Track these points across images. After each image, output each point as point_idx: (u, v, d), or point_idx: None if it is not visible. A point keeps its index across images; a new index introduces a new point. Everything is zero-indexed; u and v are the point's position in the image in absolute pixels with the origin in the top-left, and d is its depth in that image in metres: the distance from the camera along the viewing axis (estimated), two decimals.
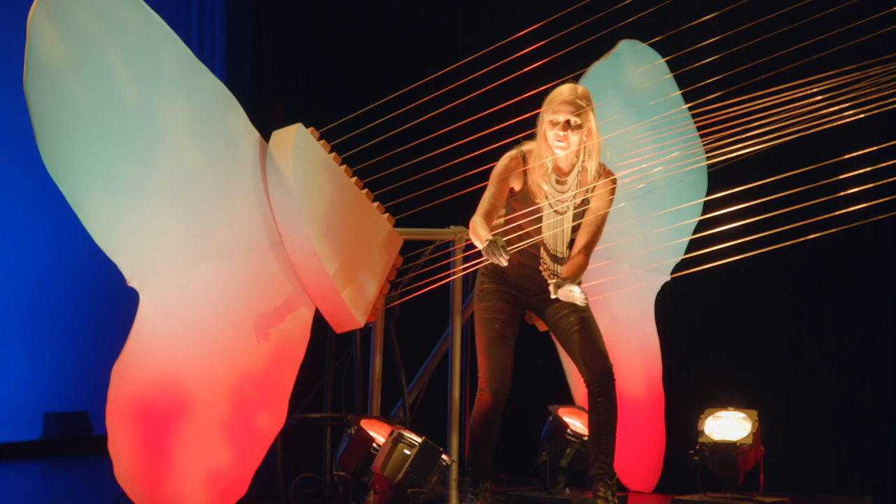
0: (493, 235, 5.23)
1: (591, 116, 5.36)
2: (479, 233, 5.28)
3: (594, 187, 5.42)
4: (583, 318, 5.43)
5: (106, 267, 5.16)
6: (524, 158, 5.41)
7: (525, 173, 5.40)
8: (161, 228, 5.20)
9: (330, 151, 5.58)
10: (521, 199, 5.43)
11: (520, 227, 5.41)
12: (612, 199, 5.44)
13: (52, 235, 9.34)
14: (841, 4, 5.04)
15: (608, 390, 5.42)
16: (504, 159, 5.42)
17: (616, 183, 5.45)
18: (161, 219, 5.19)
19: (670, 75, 6.35)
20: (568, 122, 5.31)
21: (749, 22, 5.25)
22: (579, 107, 5.31)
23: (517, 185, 5.42)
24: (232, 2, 10.02)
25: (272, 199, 5.45)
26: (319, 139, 5.55)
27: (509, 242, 5.35)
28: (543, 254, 5.44)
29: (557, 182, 5.41)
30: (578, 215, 5.43)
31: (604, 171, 5.45)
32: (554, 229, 5.42)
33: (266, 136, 5.51)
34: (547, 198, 5.41)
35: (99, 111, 5.05)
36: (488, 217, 5.36)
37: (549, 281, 5.34)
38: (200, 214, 5.29)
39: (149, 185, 5.17)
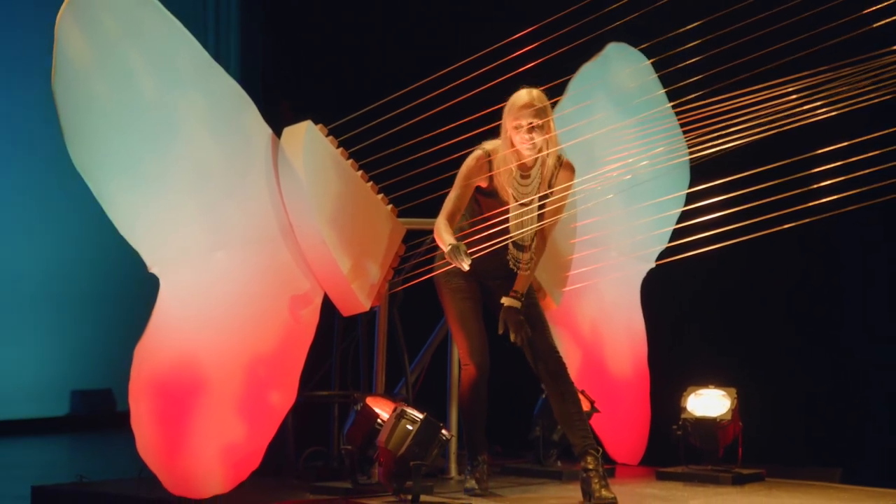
0: (457, 239, 5.32)
1: (550, 115, 5.41)
2: (443, 236, 5.36)
3: (555, 178, 5.46)
4: (532, 314, 5.47)
5: (128, 255, 5.16)
6: (489, 158, 5.46)
7: (491, 175, 5.44)
8: (180, 219, 5.20)
9: (337, 147, 5.58)
10: (489, 196, 5.47)
11: (485, 221, 5.43)
12: (571, 186, 5.49)
13: (79, 226, 9.36)
14: (814, 10, 5.04)
15: (565, 379, 5.46)
16: (470, 160, 5.47)
17: (574, 172, 5.50)
18: (180, 210, 5.19)
19: (655, 76, 6.35)
20: (531, 125, 5.36)
21: (728, 26, 5.24)
22: (539, 109, 5.37)
23: (484, 183, 5.47)
24: (246, 7, 10.02)
25: (283, 191, 5.45)
26: (328, 135, 5.55)
27: (478, 241, 5.40)
28: (510, 244, 5.46)
29: (522, 177, 5.44)
30: (543, 205, 5.46)
31: (564, 163, 5.50)
32: (519, 220, 5.45)
33: (277, 132, 5.50)
34: (513, 194, 5.45)
35: (121, 109, 5.05)
36: (452, 219, 5.43)
37: (503, 300, 5.42)
38: (216, 206, 5.28)
39: (168, 179, 5.16)
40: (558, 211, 5.49)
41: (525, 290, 5.45)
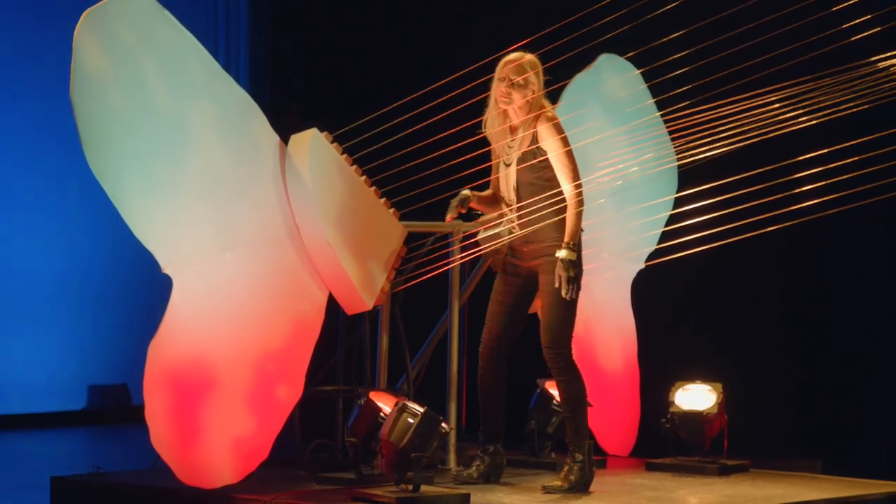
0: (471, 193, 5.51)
1: (535, 80, 5.44)
2: None
3: (535, 135, 5.44)
4: (543, 304, 5.45)
5: (143, 256, 5.18)
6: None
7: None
8: (191, 221, 5.21)
9: (342, 153, 5.59)
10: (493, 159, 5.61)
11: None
12: (555, 129, 5.41)
13: (96, 229, 9.39)
14: (796, 23, 5.05)
15: (558, 373, 5.46)
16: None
17: (550, 118, 5.43)
18: (191, 213, 5.20)
19: (644, 85, 6.36)
20: (511, 80, 5.41)
21: (715, 38, 5.25)
22: (522, 69, 5.40)
23: (496, 151, 5.58)
24: (254, 19, 10.04)
25: (290, 195, 5.46)
26: (332, 142, 5.56)
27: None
28: (503, 206, 5.51)
29: (513, 140, 5.50)
30: (525, 164, 5.45)
31: (542, 115, 5.45)
32: (505, 180, 5.50)
33: (284, 137, 5.51)
34: (502, 156, 5.55)
35: (135, 116, 5.06)
36: (492, 191, 5.58)
37: (557, 254, 5.35)
38: (226, 209, 5.29)
39: (180, 183, 5.17)
40: (557, 165, 5.39)
41: (572, 239, 5.31)
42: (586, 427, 5.51)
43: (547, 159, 5.42)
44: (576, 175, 5.37)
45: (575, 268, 5.32)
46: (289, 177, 5.45)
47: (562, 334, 5.41)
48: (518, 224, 5.45)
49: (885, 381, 7.12)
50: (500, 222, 5.54)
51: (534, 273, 5.51)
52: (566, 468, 5.41)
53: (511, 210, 5.48)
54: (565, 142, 5.40)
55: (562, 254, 5.31)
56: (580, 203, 5.36)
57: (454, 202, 5.46)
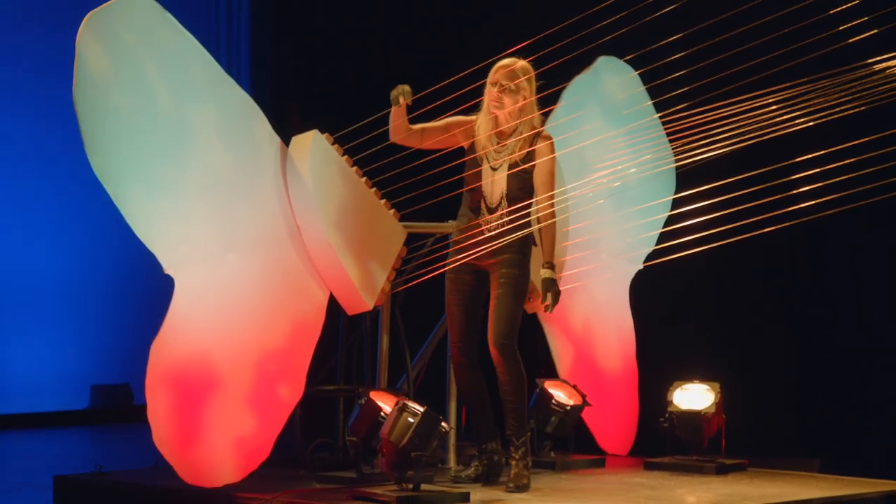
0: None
1: (527, 86, 5.46)
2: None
3: (531, 147, 5.46)
4: (497, 295, 5.48)
5: (145, 257, 5.19)
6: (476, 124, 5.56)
7: (474, 136, 5.53)
8: (193, 223, 5.22)
9: (342, 154, 5.60)
10: (470, 162, 5.55)
11: (470, 187, 5.53)
12: (552, 157, 5.46)
13: (99, 230, 9.40)
14: (794, 26, 5.06)
15: (505, 360, 5.45)
16: (465, 116, 5.58)
17: (552, 144, 5.48)
18: (193, 214, 5.21)
19: (643, 87, 6.37)
20: (503, 85, 5.41)
21: (712, 39, 5.26)
22: (514, 74, 5.43)
23: (465, 143, 5.55)
24: (256, 21, 10.05)
25: (292, 196, 5.47)
26: (333, 144, 5.57)
27: (464, 211, 5.54)
28: (483, 207, 5.50)
29: (498, 143, 5.49)
30: (514, 172, 5.46)
31: (541, 135, 5.49)
32: (491, 183, 5.49)
33: (285, 139, 5.52)
34: (487, 158, 5.52)
35: (138, 118, 5.07)
36: (416, 128, 5.49)
37: (542, 274, 5.39)
38: (228, 210, 5.30)
39: (183, 184, 5.18)
40: (542, 180, 5.44)
41: (552, 258, 5.41)
42: (526, 415, 5.53)
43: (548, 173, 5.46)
44: (552, 196, 5.47)
45: (556, 284, 5.42)
46: (290, 178, 5.46)
47: (514, 327, 5.48)
48: (500, 231, 5.46)
49: (885, 381, 7.13)
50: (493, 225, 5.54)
51: (486, 271, 5.54)
52: (516, 467, 5.42)
53: (501, 214, 5.47)
54: (555, 163, 5.48)
55: (546, 273, 5.39)
56: (554, 222, 5.45)
57: (397, 93, 5.42)
